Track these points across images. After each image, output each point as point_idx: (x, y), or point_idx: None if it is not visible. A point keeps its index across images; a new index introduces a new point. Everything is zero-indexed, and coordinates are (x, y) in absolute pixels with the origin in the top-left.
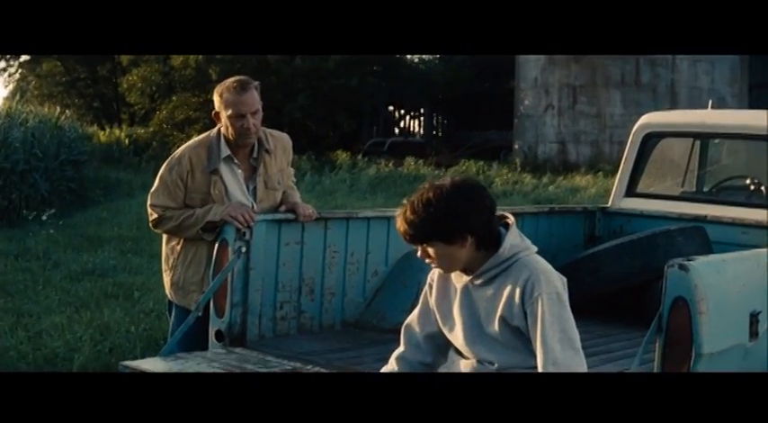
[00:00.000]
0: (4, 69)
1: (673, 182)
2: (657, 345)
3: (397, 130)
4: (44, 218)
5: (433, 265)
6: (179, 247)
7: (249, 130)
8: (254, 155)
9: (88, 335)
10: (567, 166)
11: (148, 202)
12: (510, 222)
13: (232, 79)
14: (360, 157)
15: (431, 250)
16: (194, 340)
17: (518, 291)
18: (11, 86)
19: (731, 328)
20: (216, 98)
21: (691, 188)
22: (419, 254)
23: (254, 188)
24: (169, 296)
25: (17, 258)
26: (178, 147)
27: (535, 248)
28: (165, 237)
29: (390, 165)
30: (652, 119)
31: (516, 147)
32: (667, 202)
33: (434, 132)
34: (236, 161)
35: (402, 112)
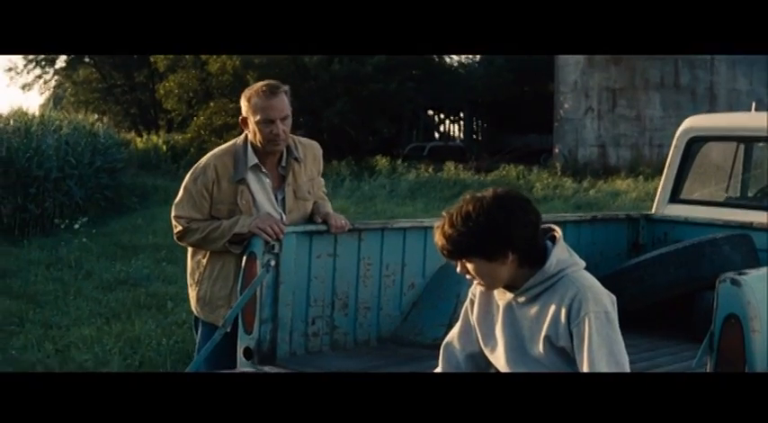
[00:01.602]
0: (40, 76)
1: (717, 187)
2: (709, 365)
3: (437, 135)
4: (77, 226)
5: (473, 282)
6: (205, 261)
7: (278, 136)
8: (283, 163)
9: (118, 348)
10: (607, 169)
11: (172, 214)
12: (557, 236)
13: (261, 83)
14: (399, 162)
15: (470, 266)
16: (223, 358)
17: (564, 309)
18: (47, 93)
19: None
20: (243, 103)
21: (735, 194)
22: (459, 269)
23: (283, 198)
24: (195, 312)
25: (48, 268)
26: None
27: (583, 264)
28: (190, 250)
29: (430, 170)
30: (695, 123)
31: (556, 150)
32: (712, 208)
33: (474, 136)
34: (263, 170)
35: (442, 116)
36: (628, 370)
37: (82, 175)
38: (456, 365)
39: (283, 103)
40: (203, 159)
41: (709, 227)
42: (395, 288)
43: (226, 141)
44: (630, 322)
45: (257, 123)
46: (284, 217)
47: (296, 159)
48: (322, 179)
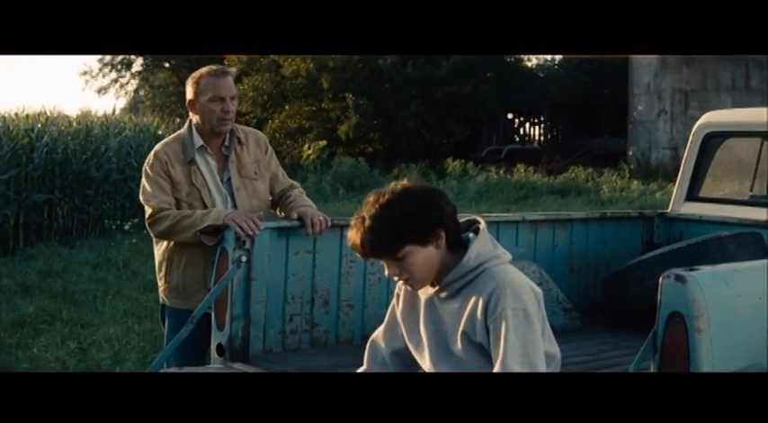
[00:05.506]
0: (116, 80)
1: (741, 185)
2: (652, 366)
3: (516, 138)
4: (126, 227)
5: (402, 283)
6: (171, 252)
7: (228, 113)
8: (226, 143)
9: (140, 346)
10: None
11: (142, 200)
12: (481, 228)
13: (207, 67)
14: (471, 164)
15: (404, 261)
16: (199, 353)
17: (481, 304)
18: (123, 98)
19: (742, 347)
20: (190, 87)
21: (761, 192)
22: (387, 272)
23: (229, 178)
24: (167, 302)
25: (95, 268)
26: (291, 156)
27: (509, 257)
28: (155, 242)
29: (501, 172)
30: (713, 118)
31: (630, 153)
32: (732, 206)
33: (554, 139)
34: (209, 151)
35: (521, 119)
36: (542, 371)
37: None
38: (381, 362)
39: (231, 83)
40: (153, 150)
41: (725, 225)
42: (381, 286)
43: (300, 144)
44: (632, 324)
45: (209, 101)
46: (236, 199)
47: (238, 140)
48: (281, 169)
